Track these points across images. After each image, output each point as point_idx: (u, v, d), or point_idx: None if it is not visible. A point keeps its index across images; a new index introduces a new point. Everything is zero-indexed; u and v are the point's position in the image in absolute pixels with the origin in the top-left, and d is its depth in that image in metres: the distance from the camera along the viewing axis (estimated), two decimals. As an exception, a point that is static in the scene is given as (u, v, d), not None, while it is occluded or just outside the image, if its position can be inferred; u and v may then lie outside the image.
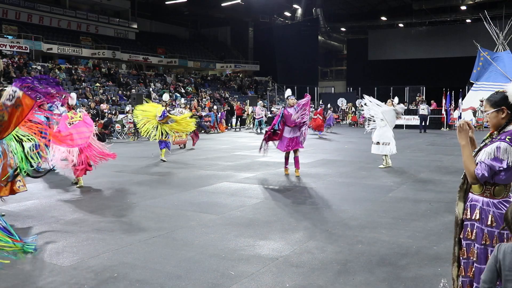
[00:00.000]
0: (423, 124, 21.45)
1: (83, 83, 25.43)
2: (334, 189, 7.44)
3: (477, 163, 2.44)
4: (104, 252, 4.27)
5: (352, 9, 42.06)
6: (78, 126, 7.66)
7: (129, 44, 35.35)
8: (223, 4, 34.91)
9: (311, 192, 7.19)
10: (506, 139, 2.36)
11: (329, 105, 25.86)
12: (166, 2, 35.29)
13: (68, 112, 7.85)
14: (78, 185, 7.70)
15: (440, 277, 3.48)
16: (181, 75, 35.48)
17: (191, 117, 12.99)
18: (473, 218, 2.51)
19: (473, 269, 2.51)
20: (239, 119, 26.19)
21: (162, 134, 11.03)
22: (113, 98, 24.68)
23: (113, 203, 6.45)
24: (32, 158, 5.11)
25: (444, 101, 23.54)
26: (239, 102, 28.37)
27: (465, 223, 2.57)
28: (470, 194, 2.57)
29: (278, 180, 8.33)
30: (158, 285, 3.50)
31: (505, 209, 2.42)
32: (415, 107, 25.57)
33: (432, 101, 24.48)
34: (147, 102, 12.88)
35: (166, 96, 12.47)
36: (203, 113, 23.97)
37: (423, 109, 22.04)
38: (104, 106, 21.63)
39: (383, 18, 40.43)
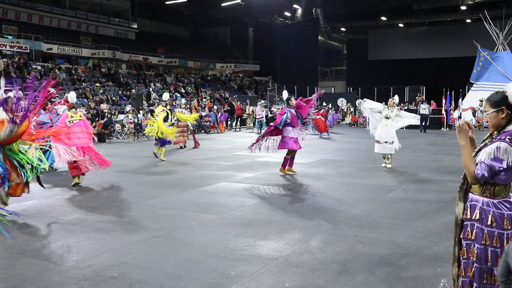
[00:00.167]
0: (423, 124, 21.47)
1: (83, 83, 25.42)
2: (334, 189, 7.44)
3: (477, 163, 2.44)
4: (104, 252, 4.27)
5: (352, 9, 42.05)
6: (77, 125, 7.68)
7: (129, 44, 35.34)
8: (223, 4, 34.89)
9: (311, 192, 7.19)
10: (506, 139, 2.36)
11: (330, 105, 25.88)
12: (166, 2, 35.27)
13: (68, 111, 7.87)
14: (73, 183, 7.75)
15: (440, 277, 3.49)
16: (181, 75, 35.47)
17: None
18: (473, 218, 2.51)
19: (473, 269, 2.51)
20: (239, 119, 26.19)
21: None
22: (113, 98, 24.67)
23: (113, 203, 6.45)
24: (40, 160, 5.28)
25: (444, 101, 23.54)
26: (239, 102, 28.37)
27: (465, 223, 2.57)
28: (470, 194, 2.57)
29: (278, 180, 8.33)
30: (158, 285, 3.50)
31: (505, 209, 2.43)
32: (415, 107, 25.58)
33: (431, 101, 24.49)
34: (152, 111, 12.95)
35: (166, 96, 12.47)
36: (203, 113, 23.97)
37: (424, 108, 22.05)
38: (104, 106, 21.63)
39: (383, 18, 40.43)
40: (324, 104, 23.82)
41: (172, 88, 30.20)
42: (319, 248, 4.38)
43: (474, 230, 2.50)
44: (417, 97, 27.94)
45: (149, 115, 20.47)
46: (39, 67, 25.26)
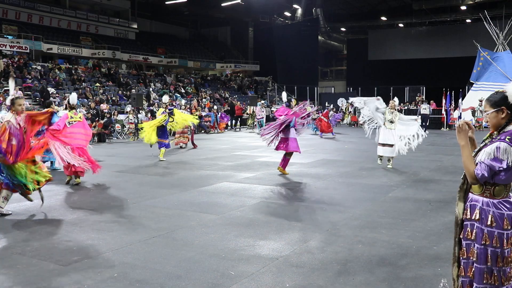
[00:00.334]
0: (423, 124, 21.47)
1: (83, 83, 25.42)
2: (334, 189, 7.44)
3: (477, 163, 2.44)
4: (104, 252, 4.27)
5: (352, 9, 42.03)
6: (76, 126, 7.69)
7: (129, 44, 35.34)
8: (223, 4, 34.89)
9: (311, 192, 7.19)
10: (506, 139, 2.36)
11: (331, 106, 25.88)
12: (166, 2, 35.27)
13: (69, 112, 7.87)
14: (74, 183, 7.82)
15: (440, 277, 3.49)
16: (181, 75, 35.48)
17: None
18: (473, 218, 2.51)
19: (473, 269, 2.51)
20: (239, 119, 26.18)
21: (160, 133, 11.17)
22: (113, 98, 24.67)
23: (113, 203, 6.45)
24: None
25: (444, 101, 23.55)
26: (239, 102, 28.38)
27: (465, 223, 2.57)
28: (470, 194, 2.57)
29: (278, 180, 8.33)
30: (158, 285, 3.50)
31: (505, 209, 2.43)
32: (415, 107, 25.58)
33: (431, 101, 24.50)
34: (152, 111, 13.22)
35: (165, 98, 12.46)
36: (203, 113, 23.97)
37: (425, 108, 22.05)
38: (104, 106, 21.63)
39: (383, 18, 40.41)
40: (327, 104, 23.80)
41: (172, 88, 30.21)
42: (319, 248, 4.38)
43: (474, 230, 2.50)
44: (417, 97, 27.95)
45: (149, 115, 20.55)
46: (39, 67, 25.27)
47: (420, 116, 21.99)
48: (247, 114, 27.03)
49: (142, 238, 4.71)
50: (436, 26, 39.12)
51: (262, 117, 23.06)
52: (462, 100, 22.94)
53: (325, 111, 20.92)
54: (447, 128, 23.16)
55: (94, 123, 17.22)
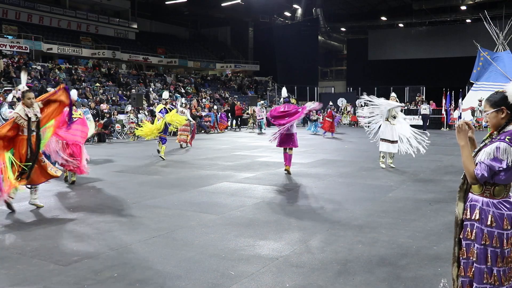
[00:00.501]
0: (424, 123, 21.49)
1: (83, 83, 25.41)
2: (334, 189, 7.44)
3: (476, 163, 2.44)
4: (104, 252, 4.27)
5: (352, 9, 42.03)
6: (75, 123, 7.69)
7: (129, 44, 35.34)
8: (223, 4, 34.89)
9: (311, 192, 7.19)
10: (506, 139, 2.36)
11: (333, 106, 25.86)
12: (166, 2, 35.27)
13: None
14: (64, 177, 7.91)
15: (440, 277, 3.49)
16: (181, 75, 35.48)
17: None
18: (473, 218, 2.51)
19: (473, 269, 2.51)
20: (238, 119, 26.18)
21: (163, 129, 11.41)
22: (113, 98, 24.67)
23: (113, 203, 6.45)
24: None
25: (444, 101, 23.55)
26: (239, 102, 28.37)
27: (465, 223, 2.57)
28: (470, 194, 2.57)
29: (278, 180, 8.33)
30: (158, 285, 3.50)
31: (505, 209, 2.43)
32: (415, 107, 25.59)
33: (431, 101, 24.50)
34: (152, 111, 13.41)
35: (165, 94, 12.52)
36: (203, 113, 23.98)
37: (425, 108, 22.07)
38: (104, 106, 21.62)
39: (383, 18, 40.40)
40: (331, 103, 23.81)
41: (172, 88, 30.21)
42: (319, 248, 4.38)
43: (474, 230, 2.50)
44: (417, 97, 27.95)
45: (150, 115, 20.56)
46: (39, 67, 25.27)
47: (420, 116, 22.02)
48: (247, 114, 27.03)
49: (142, 238, 4.71)
50: (436, 26, 39.12)
51: (262, 118, 22.97)
52: (462, 100, 22.94)
53: (328, 111, 20.97)
54: (447, 128, 23.17)
55: (94, 123, 17.21)
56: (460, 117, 21.87)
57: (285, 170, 8.92)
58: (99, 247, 4.41)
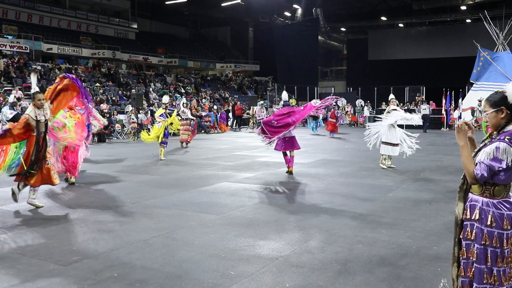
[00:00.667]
0: (424, 123, 21.47)
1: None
2: (334, 189, 7.44)
3: (476, 163, 2.44)
4: (104, 252, 4.27)
5: (352, 9, 42.03)
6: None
7: (129, 44, 35.34)
8: (223, 4, 34.88)
9: (311, 192, 7.19)
10: (505, 139, 2.36)
11: (336, 106, 25.84)
12: (166, 2, 35.26)
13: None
14: (65, 177, 7.90)
15: (440, 277, 3.49)
16: (181, 75, 35.48)
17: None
18: (472, 218, 2.51)
19: (473, 269, 2.51)
20: (238, 119, 26.18)
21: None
22: (113, 98, 24.67)
23: (113, 203, 6.45)
24: None
25: (444, 101, 23.54)
26: (239, 102, 28.37)
27: (464, 223, 2.57)
28: (470, 194, 2.57)
29: (278, 180, 8.33)
30: (158, 285, 3.50)
31: (505, 209, 2.43)
32: (415, 107, 25.58)
33: (430, 101, 24.48)
34: (151, 111, 13.62)
35: (165, 98, 12.56)
36: (203, 113, 23.99)
37: (425, 109, 22.06)
38: (104, 106, 21.62)
39: (383, 18, 40.41)
40: (335, 103, 23.80)
41: (172, 88, 30.21)
42: (319, 248, 4.38)
43: (474, 230, 2.50)
44: (417, 97, 27.94)
45: (149, 115, 20.57)
46: (39, 67, 25.26)
47: (421, 116, 22.03)
48: (247, 114, 27.02)
49: (142, 238, 4.71)
50: (436, 26, 39.12)
51: (262, 118, 22.97)
52: (462, 100, 22.94)
53: (331, 111, 21.03)
54: (447, 128, 23.16)
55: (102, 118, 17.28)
56: (460, 117, 21.86)
57: (289, 171, 8.91)
58: (99, 247, 4.41)
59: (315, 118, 20.81)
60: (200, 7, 37.33)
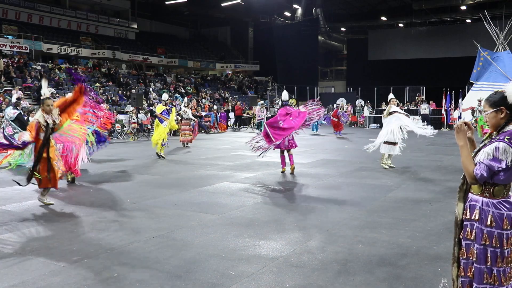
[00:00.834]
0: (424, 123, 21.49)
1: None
2: (334, 189, 7.44)
3: (476, 164, 2.44)
4: (104, 252, 4.28)
5: (352, 9, 42.02)
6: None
7: (129, 44, 35.34)
8: (223, 4, 34.88)
9: (311, 192, 7.19)
10: (505, 139, 2.36)
11: (334, 106, 25.87)
12: (166, 2, 35.26)
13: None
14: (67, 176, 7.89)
15: (440, 277, 3.49)
16: (181, 75, 35.47)
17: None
18: (472, 218, 2.51)
19: (473, 269, 2.51)
20: (238, 119, 26.19)
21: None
22: (113, 98, 24.68)
23: (113, 203, 6.45)
24: None
25: (444, 101, 23.54)
26: (239, 102, 28.37)
27: (464, 223, 2.57)
28: (469, 194, 2.57)
29: (278, 180, 8.34)
30: (158, 285, 3.50)
31: (505, 209, 2.43)
32: (415, 107, 25.59)
33: (430, 102, 24.48)
34: (151, 111, 13.86)
35: (165, 96, 12.64)
36: (203, 113, 23.99)
37: (425, 108, 22.07)
38: (104, 106, 21.61)
39: (383, 18, 40.40)
40: (338, 103, 23.85)
41: (172, 88, 30.20)
42: (319, 248, 4.38)
43: (474, 230, 2.50)
44: (417, 97, 27.95)
45: (149, 115, 20.58)
46: (39, 67, 25.27)
47: (420, 116, 22.02)
48: (247, 114, 27.00)
49: (142, 238, 4.72)
50: (436, 26, 39.11)
51: (262, 118, 22.92)
52: (462, 100, 22.93)
53: (333, 111, 21.07)
54: (447, 128, 23.16)
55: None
56: (460, 117, 21.86)
57: (291, 170, 8.89)
58: (99, 247, 4.41)
59: None
60: (200, 7, 37.33)
